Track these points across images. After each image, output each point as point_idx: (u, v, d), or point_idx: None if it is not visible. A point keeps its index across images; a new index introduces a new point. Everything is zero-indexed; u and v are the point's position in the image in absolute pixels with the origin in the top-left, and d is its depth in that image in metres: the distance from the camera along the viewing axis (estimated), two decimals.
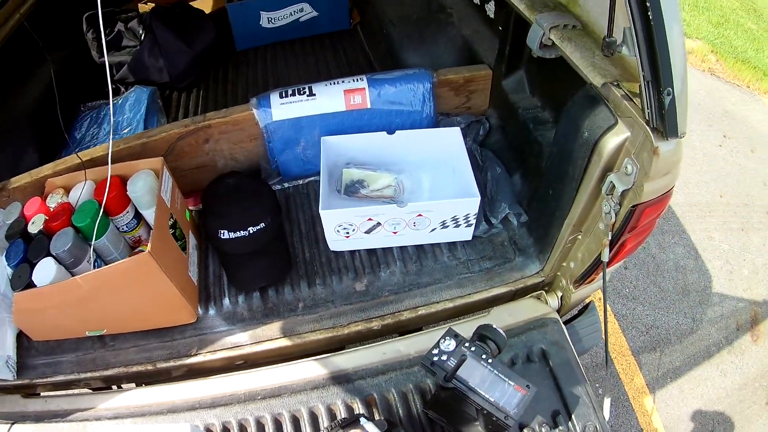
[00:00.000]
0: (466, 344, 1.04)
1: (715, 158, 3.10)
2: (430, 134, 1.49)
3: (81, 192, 1.29)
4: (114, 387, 1.47)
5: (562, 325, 1.32)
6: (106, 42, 1.92)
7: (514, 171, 1.50)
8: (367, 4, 2.28)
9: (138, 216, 1.36)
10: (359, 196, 1.45)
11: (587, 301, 1.52)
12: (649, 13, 0.77)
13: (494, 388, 1.00)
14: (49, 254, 1.18)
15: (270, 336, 1.31)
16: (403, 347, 1.28)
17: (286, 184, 1.61)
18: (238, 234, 1.33)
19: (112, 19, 2.01)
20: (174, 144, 1.45)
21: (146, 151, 1.43)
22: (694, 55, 3.86)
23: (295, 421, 1.21)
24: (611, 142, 0.97)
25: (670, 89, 0.82)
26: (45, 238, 1.21)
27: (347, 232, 1.35)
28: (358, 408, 1.20)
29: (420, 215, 1.31)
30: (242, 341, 1.31)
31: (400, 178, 1.47)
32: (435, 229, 1.36)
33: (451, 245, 1.42)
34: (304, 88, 1.45)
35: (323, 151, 1.43)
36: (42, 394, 1.35)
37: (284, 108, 1.43)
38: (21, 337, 1.33)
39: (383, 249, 1.43)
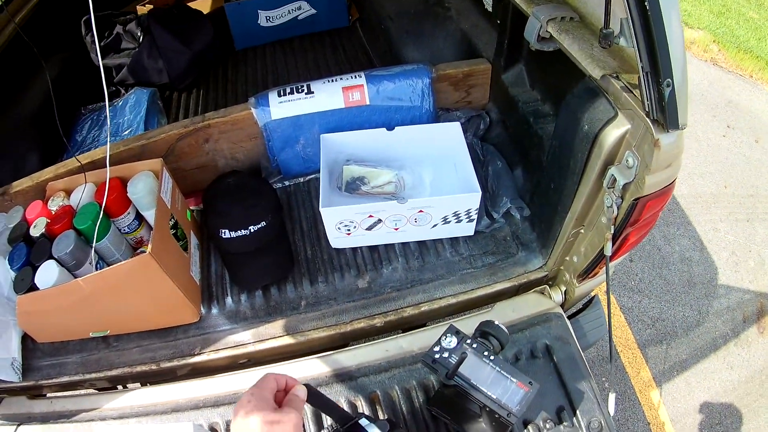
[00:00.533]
0: (468, 341, 1.03)
1: (719, 149, 3.07)
2: (430, 129, 1.48)
3: (81, 195, 1.30)
4: (119, 387, 1.47)
5: (566, 320, 1.31)
6: (105, 45, 1.93)
7: (516, 165, 1.49)
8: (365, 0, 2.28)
9: (139, 217, 1.36)
10: (360, 193, 1.44)
11: (591, 295, 1.51)
12: (645, 3, 0.76)
13: (496, 385, 0.99)
14: (51, 257, 1.19)
15: (273, 334, 1.31)
16: (406, 344, 1.28)
17: (286, 182, 1.61)
18: (239, 233, 1.33)
19: (111, 22, 2.01)
20: (174, 145, 1.45)
21: (146, 152, 1.43)
22: (696, 46, 3.82)
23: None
24: (612, 134, 0.96)
25: (670, 80, 0.80)
26: (47, 241, 1.21)
27: (348, 230, 1.34)
28: (362, 405, 1.20)
29: (421, 211, 1.31)
30: (245, 340, 1.31)
31: (401, 174, 1.46)
32: (437, 224, 1.35)
33: (454, 241, 1.42)
34: (302, 86, 1.45)
35: (323, 149, 1.42)
36: (48, 395, 1.36)
37: (283, 106, 1.43)
38: (26, 339, 1.34)
39: (385, 245, 1.42)
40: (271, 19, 2.21)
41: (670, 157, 0.91)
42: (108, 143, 1.21)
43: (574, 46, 1.02)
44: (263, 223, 1.34)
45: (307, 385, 0.78)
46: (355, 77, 1.45)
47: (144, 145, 1.43)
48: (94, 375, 1.30)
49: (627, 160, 0.95)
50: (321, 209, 1.28)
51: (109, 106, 1.91)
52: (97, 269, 1.23)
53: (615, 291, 2.42)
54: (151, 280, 1.20)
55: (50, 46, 1.80)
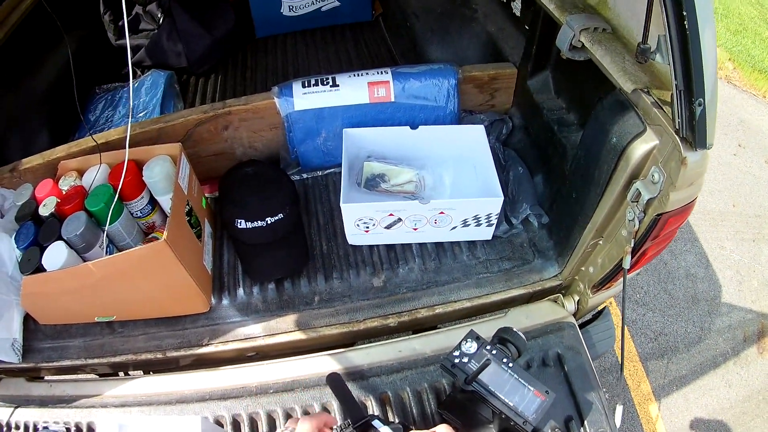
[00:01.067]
0: (488, 347, 1.02)
1: (730, 167, 3.08)
2: (454, 131, 1.47)
3: (95, 175, 1.27)
4: (121, 374, 1.45)
5: (578, 330, 1.31)
6: (123, 25, 1.90)
7: (536, 172, 1.48)
8: None
9: (153, 202, 1.34)
10: (379, 191, 1.42)
11: (601, 306, 1.50)
12: (685, 22, 0.76)
13: (514, 392, 0.97)
14: (60, 238, 1.16)
15: (284, 329, 1.29)
16: (419, 345, 1.26)
17: (305, 175, 1.59)
18: (255, 224, 1.31)
19: (130, 2, 1.98)
20: (192, 130, 1.42)
21: (163, 136, 1.41)
22: None
23: None
24: (639, 149, 0.96)
25: (702, 100, 0.81)
26: (56, 221, 1.19)
27: (367, 227, 1.33)
28: (372, 406, 1.19)
29: (442, 213, 1.29)
30: (255, 333, 1.29)
31: (422, 174, 1.45)
32: (456, 227, 1.34)
33: (471, 244, 1.40)
34: (327, 79, 1.43)
35: (345, 143, 1.40)
36: (46, 378, 1.34)
37: (307, 98, 1.41)
38: (27, 320, 1.32)
39: (402, 245, 1.41)
40: (294, 9, 2.18)
41: (694, 176, 0.91)
42: (129, 123, 1.18)
43: (606, 58, 1.02)
44: (280, 216, 1.32)
45: (334, 373, 0.77)
46: (382, 73, 1.43)
47: (161, 129, 1.41)
48: (96, 360, 1.28)
49: (653, 176, 0.95)
50: (342, 205, 1.27)
51: (125, 87, 1.88)
52: (106, 253, 1.21)
53: (620, 303, 2.41)
54: (164, 268, 1.18)
55: (68, 22, 1.77)
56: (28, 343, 1.30)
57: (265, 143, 1.53)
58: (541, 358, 1.24)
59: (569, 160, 1.27)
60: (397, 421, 1.15)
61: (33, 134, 1.66)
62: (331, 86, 1.41)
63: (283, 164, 1.56)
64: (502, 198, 1.28)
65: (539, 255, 1.39)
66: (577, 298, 1.36)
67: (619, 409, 1.18)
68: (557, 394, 1.17)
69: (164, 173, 1.27)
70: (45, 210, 1.22)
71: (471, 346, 1.01)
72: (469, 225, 1.34)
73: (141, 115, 1.73)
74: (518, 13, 1.55)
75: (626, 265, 1.10)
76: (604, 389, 2.08)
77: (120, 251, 1.26)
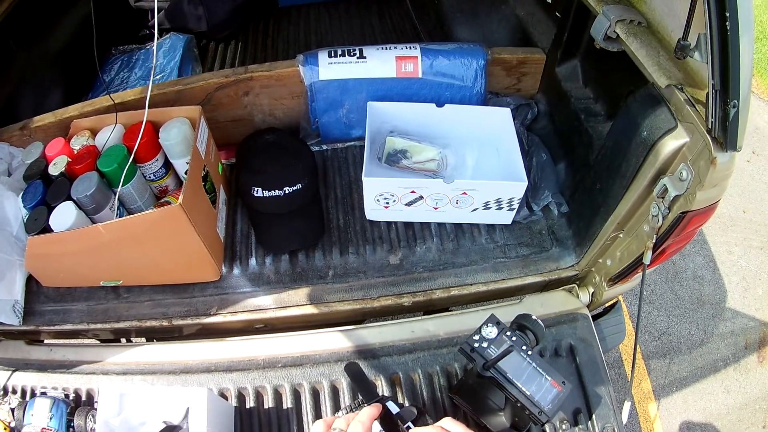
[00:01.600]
0: (508, 333, 1.00)
1: (743, 173, 3.05)
2: (480, 112, 1.43)
3: (110, 135, 1.23)
4: (123, 340, 1.43)
5: (592, 322, 1.29)
6: None
7: (560, 159, 1.45)
8: None
9: (167, 165, 1.31)
10: (401, 167, 1.39)
11: (613, 301, 1.48)
12: (727, 23, 0.75)
13: (531, 381, 0.96)
14: (69, 198, 1.12)
15: (296, 302, 1.26)
16: (433, 327, 1.25)
17: (324, 146, 1.55)
18: (273, 193, 1.28)
19: None
20: (212, 94, 1.39)
21: (181, 98, 1.38)
22: None
23: (315, 394, 1.17)
24: (669, 145, 0.94)
25: (736, 101, 0.80)
26: (66, 181, 1.15)
27: (387, 203, 1.30)
28: (382, 386, 1.17)
29: (464, 193, 1.26)
30: (266, 305, 1.26)
31: (445, 153, 1.41)
32: (477, 209, 1.31)
33: (490, 227, 1.38)
34: (354, 50, 1.39)
35: (369, 117, 1.37)
36: (46, 342, 1.31)
37: (332, 68, 1.37)
38: (30, 282, 1.29)
39: (421, 224, 1.38)
40: None
41: (721, 177, 0.90)
42: (150, 83, 1.15)
43: (641, 51, 1.01)
44: (299, 186, 1.29)
45: (353, 363, 0.75)
46: (410, 48, 1.39)
47: (180, 91, 1.37)
48: (99, 326, 1.25)
49: (681, 173, 0.94)
50: (363, 178, 1.24)
51: (142, 50, 1.84)
52: (116, 216, 1.18)
53: (627, 299, 2.41)
54: (177, 233, 1.14)
55: None
56: (29, 305, 1.27)
57: (286, 112, 1.50)
58: (554, 348, 1.23)
59: (595, 151, 1.24)
60: (407, 403, 1.13)
61: (45, 93, 1.62)
62: (357, 58, 1.38)
63: (302, 134, 1.52)
64: (526, 183, 1.25)
65: (557, 243, 1.36)
66: (592, 290, 1.34)
67: (627, 405, 1.17)
68: None
69: (181, 136, 1.24)
70: (55, 169, 1.18)
71: (491, 331, 0.99)
72: (490, 208, 1.31)
73: (158, 77, 1.69)
74: (549, 0, 1.53)
75: (646, 260, 1.09)
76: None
77: (130, 214, 1.23)
